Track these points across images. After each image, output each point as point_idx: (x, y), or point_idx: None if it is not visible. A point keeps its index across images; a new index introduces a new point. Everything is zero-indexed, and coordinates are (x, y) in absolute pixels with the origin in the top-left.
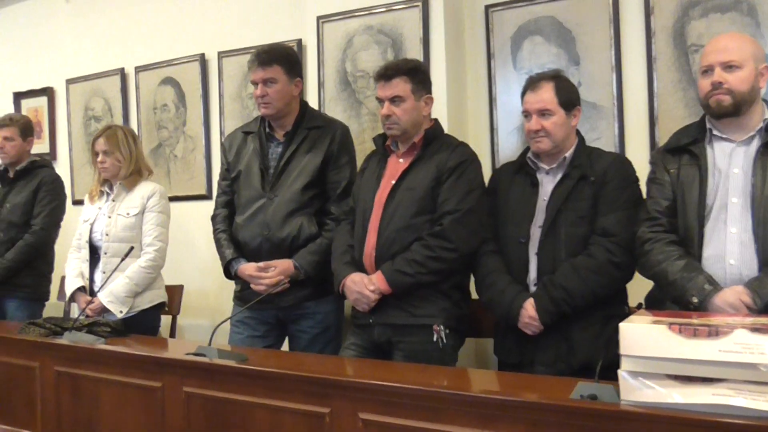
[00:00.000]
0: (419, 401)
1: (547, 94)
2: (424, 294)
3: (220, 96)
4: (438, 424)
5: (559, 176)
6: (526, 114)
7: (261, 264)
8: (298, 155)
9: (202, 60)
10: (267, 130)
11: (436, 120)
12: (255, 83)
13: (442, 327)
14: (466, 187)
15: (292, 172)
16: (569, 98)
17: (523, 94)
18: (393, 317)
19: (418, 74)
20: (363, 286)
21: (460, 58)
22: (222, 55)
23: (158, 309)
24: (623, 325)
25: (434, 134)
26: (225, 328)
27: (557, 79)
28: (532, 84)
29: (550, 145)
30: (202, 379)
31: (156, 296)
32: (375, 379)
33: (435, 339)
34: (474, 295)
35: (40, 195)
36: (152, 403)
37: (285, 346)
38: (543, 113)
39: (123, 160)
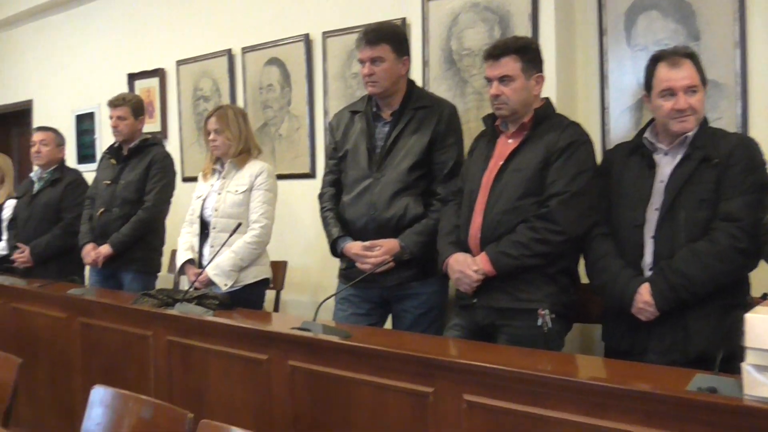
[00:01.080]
0: (525, 385)
1: (690, 71)
2: (530, 278)
3: (325, 76)
4: (543, 409)
5: (678, 157)
6: (670, 92)
7: (367, 243)
8: (405, 135)
9: (307, 40)
10: (374, 109)
11: (546, 99)
12: (362, 62)
13: (547, 311)
14: (576, 169)
15: (398, 152)
16: (704, 77)
17: (652, 71)
18: (497, 300)
19: (528, 52)
20: (466, 266)
21: (571, 34)
22: (326, 35)
23: (263, 284)
24: (749, 316)
25: (544, 114)
26: (328, 305)
27: (693, 56)
28: (669, 60)
29: (695, 124)
30: (306, 354)
31: (261, 272)
32: (480, 361)
33: (540, 323)
34: (584, 280)
35: (152, 172)
36: (258, 375)
37: (388, 325)
38: (690, 90)
39: (233, 138)
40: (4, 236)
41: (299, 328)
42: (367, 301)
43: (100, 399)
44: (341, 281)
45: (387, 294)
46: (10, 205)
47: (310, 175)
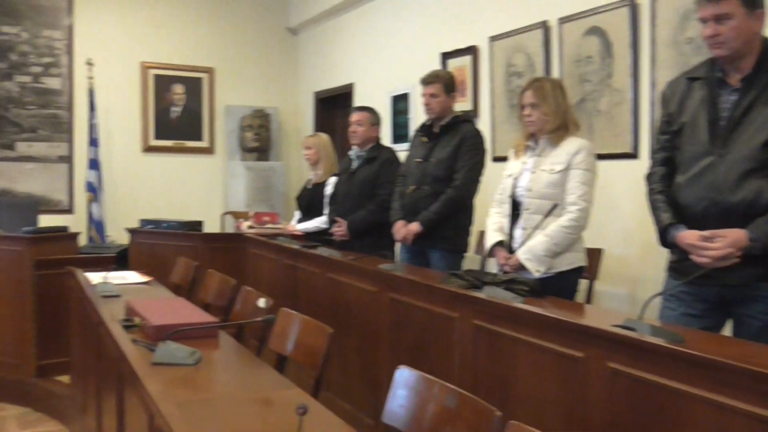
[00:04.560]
0: None
1: None
2: None
3: (652, 43)
4: None
5: None
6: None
7: (706, 233)
8: (759, 105)
9: (632, 5)
10: (718, 74)
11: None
12: (704, 21)
13: None
14: None
15: (749, 124)
16: None
17: None
18: None
19: None
20: None
21: None
22: None
23: (577, 273)
24: None
25: None
26: (653, 300)
27: None
28: None
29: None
30: (629, 357)
31: (575, 259)
32: None
33: None
34: None
35: (462, 150)
36: (572, 374)
37: (725, 331)
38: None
39: (550, 113)
40: (326, 210)
41: (622, 326)
42: (702, 300)
43: (404, 381)
44: (670, 275)
45: (728, 294)
46: (332, 181)
47: (632, 155)
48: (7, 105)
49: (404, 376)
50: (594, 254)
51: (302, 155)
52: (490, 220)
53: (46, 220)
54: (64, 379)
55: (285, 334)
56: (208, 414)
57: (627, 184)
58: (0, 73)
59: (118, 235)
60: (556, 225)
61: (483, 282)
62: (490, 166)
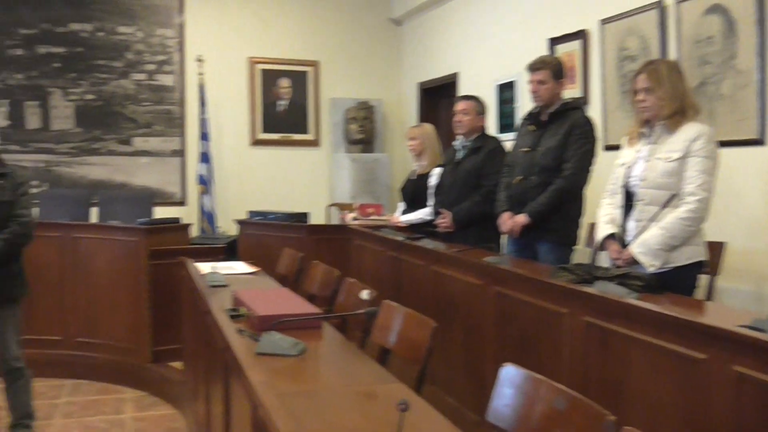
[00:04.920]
0: None
1: None
2: None
3: None
4: None
5: None
6: None
7: None
8: None
9: None
10: None
11: None
12: None
13: None
14: None
15: None
16: None
17: None
18: None
19: None
20: None
21: None
22: None
23: (696, 267)
24: None
25: None
26: None
27: None
28: None
29: None
30: (758, 360)
31: (695, 253)
32: None
33: None
34: None
35: (572, 138)
36: (693, 377)
37: None
38: None
39: (666, 98)
40: (431, 202)
41: (750, 327)
42: None
43: (510, 379)
44: None
45: None
46: (437, 172)
47: (758, 141)
48: (124, 102)
49: (510, 374)
50: (715, 248)
51: (406, 146)
52: (601, 212)
53: (160, 212)
54: (177, 365)
55: (388, 326)
56: (309, 406)
57: (752, 173)
58: (117, 72)
59: (227, 226)
60: (673, 217)
61: (594, 276)
62: (601, 155)
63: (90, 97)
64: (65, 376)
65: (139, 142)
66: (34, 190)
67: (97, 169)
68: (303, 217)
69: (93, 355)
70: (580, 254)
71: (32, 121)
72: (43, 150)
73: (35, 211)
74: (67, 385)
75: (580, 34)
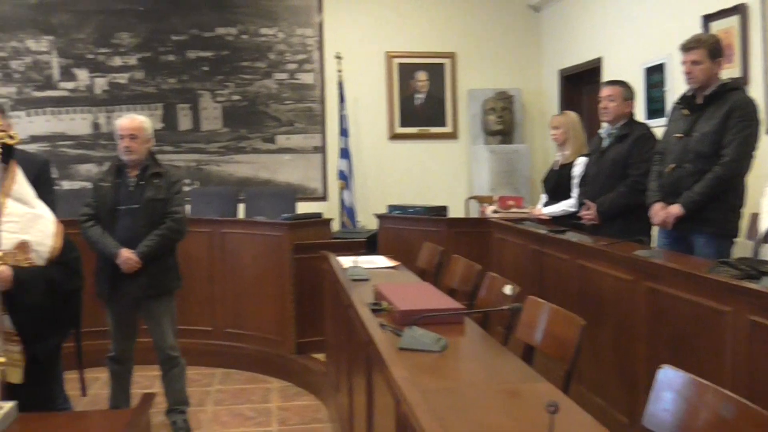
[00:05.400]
0: None
1: None
2: None
3: None
4: None
5: None
6: None
7: None
8: None
9: None
10: None
11: None
12: None
13: None
14: None
15: None
16: None
17: None
18: None
19: None
20: None
21: None
22: None
23: None
24: None
25: None
26: None
27: None
28: None
29: None
30: None
31: None
32: None
33: None
34: None
35: (731, 122)
36: None
37: None
38: None
39: None
40: (574, 193)
41: None
42: None
43: (669, 382)
44: None
45: None
46: (581, 162)
47: None
48: (267, 101)
49: (669, 377)
50: None
51: (547, 136)
52: (764, 201)
53: (302, 207)
54: (320, 357)
55: (533, 323)
56: (453, 403)
57: None
58: (260, 73)
59: (367, 221)
60: None
61: (760, 271)
62: (764, 140)
63: (236, 97)
64: (216, 365)
65: (282, 140)
66: (186, 188)
67: (243, 166)
68: (442, 210)
69: (241, 345)
70: (742, 247)
71: (184, 122)
72: (193, 150)
73: (187, 208)
74: (217, 373)
75: (738, 9)
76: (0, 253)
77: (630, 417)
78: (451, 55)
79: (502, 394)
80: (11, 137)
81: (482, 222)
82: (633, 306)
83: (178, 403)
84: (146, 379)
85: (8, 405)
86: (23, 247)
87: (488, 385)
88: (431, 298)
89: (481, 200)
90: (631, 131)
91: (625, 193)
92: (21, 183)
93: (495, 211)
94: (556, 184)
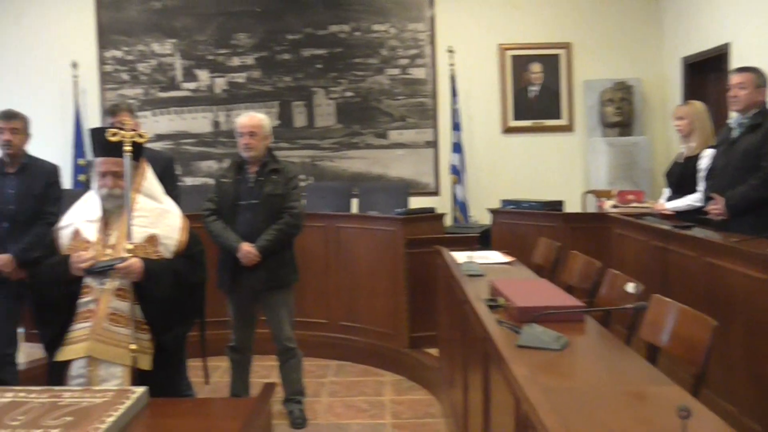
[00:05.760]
0: None
1: None
2: None
3: None
4: None
5: None
6: None
7: None
8: None
9: None
10: None
11: None
12: None
13: None
14: None
15: None
16: None
17: None
18: None
19: None
20: None
21: None
22: None
23: None
24: None
25: None
26: None
27: None
28: None
29: None
30: None
31: None
32: None
33: None
34: None
35: None
36: None
37: None
38: None
39: None
40: (701, 187)
41: None
42: None
43: None
44: None
45: None
46: (708, 154)
47: None
48: (380, 97)
49: None
50: None
51: (669, 127)
52: None
53: (414, 202)
54: (433, 351)
55: (658, 323)
56: (575, 404)
57: None
58: (373, 69)
59: (480, 216)
60: None
61: None
62: None
63: (349, 94)
64: (330, 357)
65: (394, 135)
66: (302, 184)
67: (357, 162)
68: (558, 205)
69: (354, 338)
70: None
71: (299, 119)
72: (308, 146)
73: (303, 203)
74: (332, 365)
75: None
76: (131, 246)
77: (763, 425)
78: (566, 46)
79: (628, 396)
80: (141, 136)
81: (600, 217)
82: (766, 306)
83: (295, 393)
84: (264, 369)
85: (140, 390)
86: (152, 240)
87: (613, 387)
88: (550, 294)
89: (599, 195)
90: (764, 121)
91: (756, 186)
92: (150, 179)
93: (614, 206)
94: (681, 178)
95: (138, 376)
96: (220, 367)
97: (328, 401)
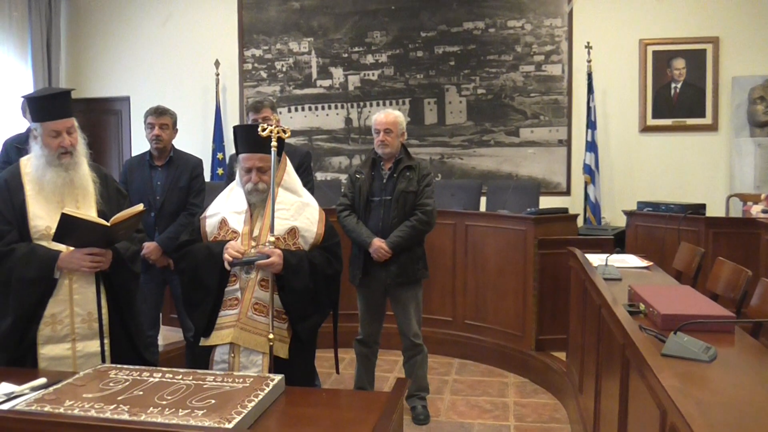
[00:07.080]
0: None
1: None
2: None
3: None
4: None
5: None
6: None
7: None
8: None
9: None
10: None
11: None
12: None
13: None
14: None
15: None
16: None
17: None
18: None
19: None
20: None
21: None
22: None
23: None
24: None
25: None
26: None
27: None
28: None
29: None
30: None
31: None
32: None
33: None
34: None
35: None
36: None
37: None
38: None
39: None
40: None
41: None
42: None
43: None
44: None
45: None
46: None
47: None
48: (513, 94)
49: None
50: None
51: None
52: None
53: (544, 202)
54: (560, 355)
55: None
56: (729, 420)
57: None
58: (506, 65)
59: (612, 218)
60: None
61: None
62: None
63: (481, 91)
64: (454, 355)
65: (525, 133)
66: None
67: (486, 160)
68: (700, 208)
69: (479, 337)
70: None
71: (429, 116)
72: (438, 143)
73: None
74: (455, 363)
75: None
76: (273, 239)
77: None
78: (713, 40)
79: None
80: (284, 131)
81: (747, 222)
82: None
83: (419, 389)
84: (386, 363)
85: (278, 377)
86: (293, 233)
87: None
88: (695, 303)
89: (746, 198)
90: None
91: None
92: (290, 173)
93: (764, 211)
94: None
95: (273, 364)
96: (345, 359)
97: (451, 399)
